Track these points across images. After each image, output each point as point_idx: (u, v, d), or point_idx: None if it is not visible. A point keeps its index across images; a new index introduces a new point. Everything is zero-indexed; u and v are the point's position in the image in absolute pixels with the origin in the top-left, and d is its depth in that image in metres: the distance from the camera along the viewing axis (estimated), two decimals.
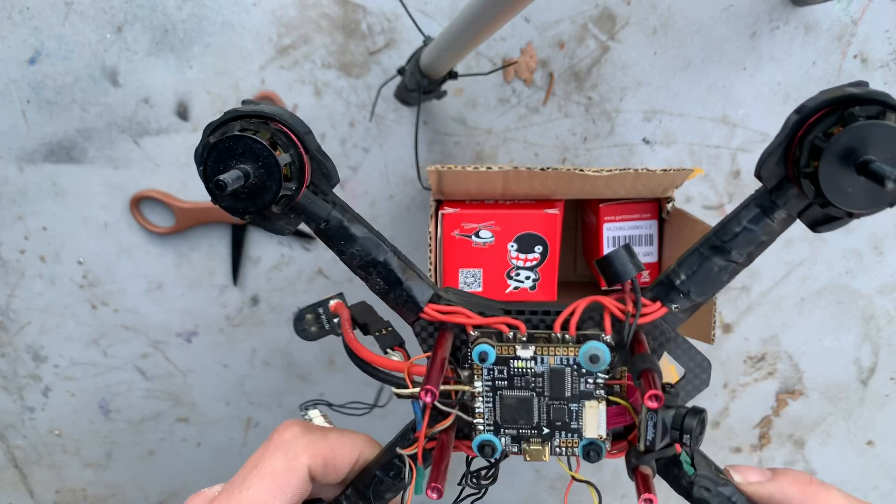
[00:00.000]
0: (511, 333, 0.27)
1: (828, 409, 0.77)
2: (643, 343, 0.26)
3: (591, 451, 0.27)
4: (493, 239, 0.55)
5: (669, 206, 0.57)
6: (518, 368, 0.27)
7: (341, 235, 0.27)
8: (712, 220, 0.69)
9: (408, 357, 0.29)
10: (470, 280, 0.56)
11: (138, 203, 0.69)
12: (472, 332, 0.27)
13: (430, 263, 0.53)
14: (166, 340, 0.74)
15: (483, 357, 0.26)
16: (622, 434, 0.28)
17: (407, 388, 0.27)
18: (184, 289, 0.72)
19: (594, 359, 0.25)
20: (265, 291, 0.73)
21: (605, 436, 0.27)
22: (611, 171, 0.49)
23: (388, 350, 0.29)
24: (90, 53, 0.65)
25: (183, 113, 0.67)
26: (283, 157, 0.25)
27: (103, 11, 0.64)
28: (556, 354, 0.26)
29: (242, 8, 0.64)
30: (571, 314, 0.26)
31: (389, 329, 0.30)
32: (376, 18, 0.64)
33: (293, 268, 0.72)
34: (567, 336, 0.26)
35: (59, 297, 0.73)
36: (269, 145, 0.24)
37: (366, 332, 0.30)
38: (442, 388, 0.26)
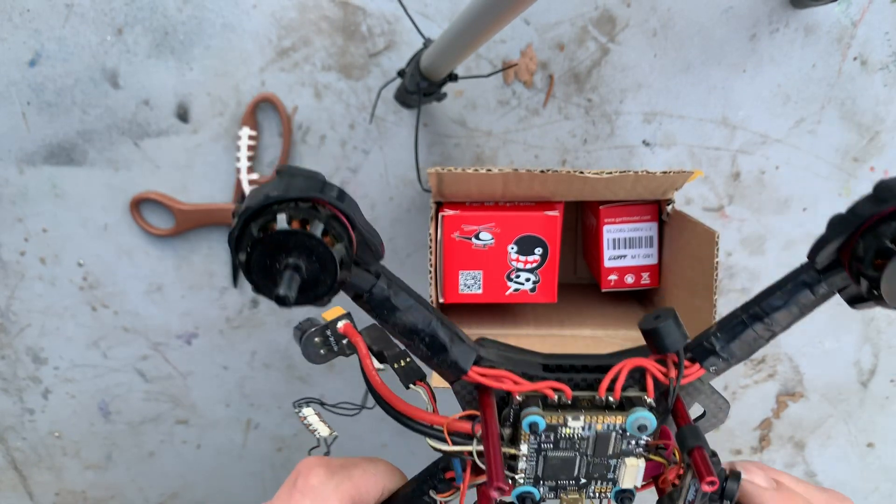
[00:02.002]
0: (556, 397, 0.27)
1: (828, 410, 0.77)
2: (683, 408, 0.27)
3: (625, 498, 0.28)
4: (493, 241, 0.55)
5: (669, 208, 0.57)
6: (566, 434, 0.27)
7: (383, 306, 0.27)
8: (712, 221, 0.69)
9: (431, 392, 0.29)
10: (470, 282, 0.56)
11: (138, 205, 0.69)
12: (517, 396, 0.27)
13: (431, 265, 0.53)
14: (166, 342, 0.74)
15: (534, 428, 0.26)
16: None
17: (446, 443, 0.27)
18: (184, 291, 0.72)
19: (642, 428, 0.26)
20: None
21: (639, 486, 0.28)
22: (611, 172, 0.49)
23: (411, 385, 0.29)
24: (90, 55, 0.65)
25: (183, 115, 0.67)
26: (338, 250, 0.23)
27: (103, 14, 0.64)
28: (604, 422, 0.27)
29: (242, 10, 0.64)
30: (615, 377, 0.27)
31: (408, 360, 0.29)
32: (376, 21, 0.64)
33: None
34: (611, 399, 0.27)
35: (59, 299, 0.73)
36: (326, 239, 0.23)
37: (381, 360, 0.29)
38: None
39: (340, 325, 0.28)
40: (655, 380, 0.27)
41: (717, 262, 0.48)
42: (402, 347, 0.30)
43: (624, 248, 0.60)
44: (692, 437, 0.25)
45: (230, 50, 0.65)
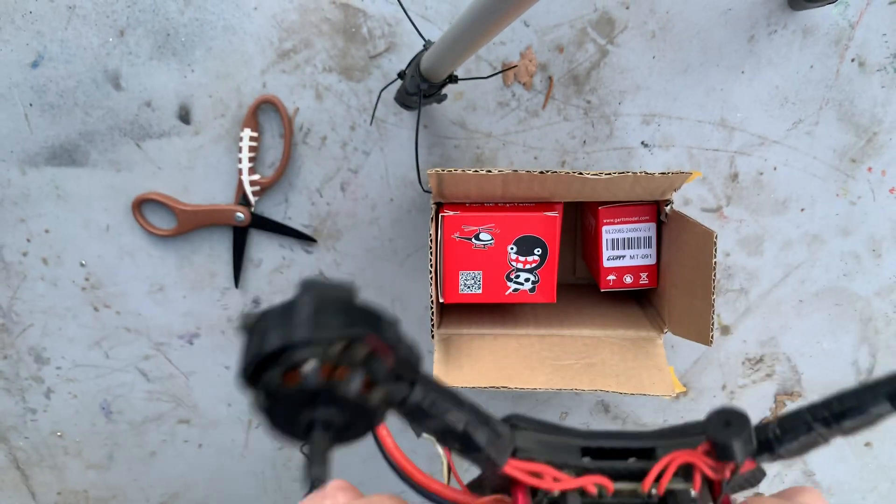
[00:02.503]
0: (597, 491, 0.26)
1: None
2: None
3: None
4: (492, 241, 0.55)
5: (668, 208, 0.57)
6: None
7: (417, 413, 0.24)
8: (711, 222, 0.69)
9: (451, 455, 0.27)
10: (470, 282, 0.56)
11: (140, 206, 0.69)
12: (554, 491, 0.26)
13: (431, 266, 0.53)
14: (168, 342, 0.75)
15: None
16: None
17: None
18: (185, 291, 0.73)
19: None
20: (266, 293, 0.73)
21: None
22: (610, 174, 0.49)
23: (424, 434, 0.27)
24: (92, 57, 0.65)
25: (185, 116, 0.67)
26: (376, 395, 0.20)
27: (105, 16, 0.64)
28: None
29: (244, 12, 0.64)
30: (662, 471, 0.25)
31: None
32: (377, 23, 0.64)
33: (294, 270, 0.72)
34: (653, 491, 0.26)
35: (62, 300, 0.73)
36: (362, 388, 0.19)
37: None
38: None
39: None
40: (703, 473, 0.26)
41: (715, 263, 0.49)
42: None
43: (623, 249, 0.60)
44: None
45: (231, 52, 0.65)
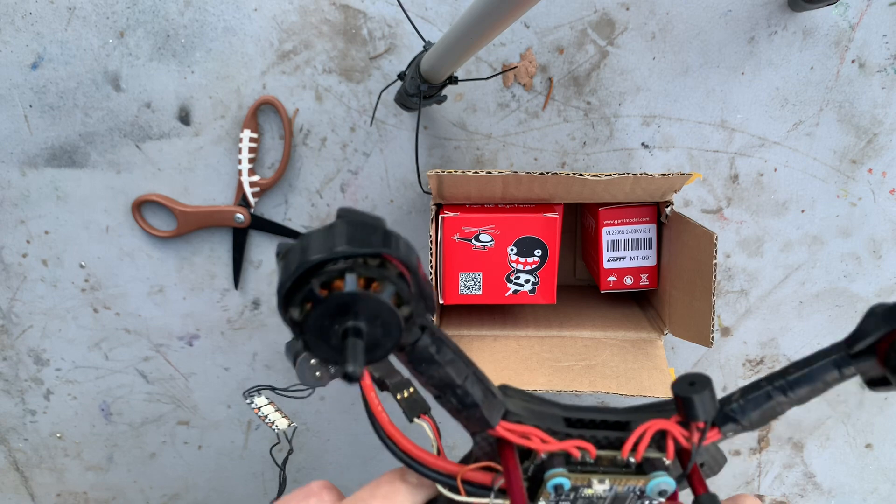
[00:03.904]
0: (581, 456, 0.27)
1: (826, 412, 0.78)
2: (699, 471, 0.28)
3: None
4: (492, 242, 0.55)
5: (668, 209, 0.57)
6: (587, 494, 0.27)
7: (423, 359, 0.25)
8: (711, 223, 0.69)
9: (436, 427, 0.28)
10: (470, 283, 0.56)
11: (140, 207, 0.69)
12: (542, 455, 0.27)
13: (431, 267, 0.53)
14: (168, 344, 0.75)
15: (559, 490, 0.26)
16: None
17: (459, 492, 0.26)
18: (185, 292, 0.73)
19: (663, 493, 0.27)
20: (266, 295, 0.73)
21: None
22: (610, 175, 0.49)
23: (415, 419, 0.28)
24: (92, 58, 0.65)
25: (185, 117, 0.67)
26: (403, 311, 0.21)
27: (105, 17, 0.64)
28: (625, 484, 0.27)
29: (244, 13, 0.64)
30: (639, 438, 0.27)
31: (412, 391, 0.28)
32: (377, 24, 0.64)
33: None
34: (631, 459, 0.27)
35: (61, 301, 0.73)
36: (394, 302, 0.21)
37: (382, 388, 0.28)
38: None
39: None
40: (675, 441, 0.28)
41: (715, 264, 0.49)
42: (406, 378, 0.28)
43: (623, 250, 0.60)
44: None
45: (231, 53, 0.65)
